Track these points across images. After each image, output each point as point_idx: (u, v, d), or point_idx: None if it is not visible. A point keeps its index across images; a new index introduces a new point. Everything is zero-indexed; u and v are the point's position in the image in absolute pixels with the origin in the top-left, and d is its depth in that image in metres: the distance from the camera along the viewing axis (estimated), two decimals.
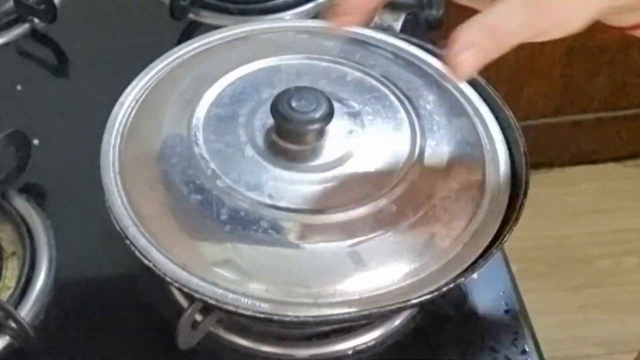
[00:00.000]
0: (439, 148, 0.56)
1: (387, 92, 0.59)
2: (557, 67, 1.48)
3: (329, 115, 0.54)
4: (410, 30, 0.67)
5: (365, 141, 0.56)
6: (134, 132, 0.58)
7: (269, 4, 0.80)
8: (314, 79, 0.58)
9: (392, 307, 0.50)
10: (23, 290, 0.58)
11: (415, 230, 0.52)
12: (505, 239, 0.52)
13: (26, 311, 0.58)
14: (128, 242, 0.52)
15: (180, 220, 0.52)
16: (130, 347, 0.58)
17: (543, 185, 1.59)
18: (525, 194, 0.54)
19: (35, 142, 0.68)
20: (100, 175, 0.55)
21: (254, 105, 0.57)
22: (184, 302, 0.58)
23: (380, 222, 0.52)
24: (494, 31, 0.46)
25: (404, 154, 0.55)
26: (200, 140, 0.55)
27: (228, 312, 0.50)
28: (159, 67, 0.62)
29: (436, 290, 0.50)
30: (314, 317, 0.49)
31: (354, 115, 0.57)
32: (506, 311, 0.59)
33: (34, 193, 0.65)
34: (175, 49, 0.63)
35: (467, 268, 0.51)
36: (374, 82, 0.59)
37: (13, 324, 0.56)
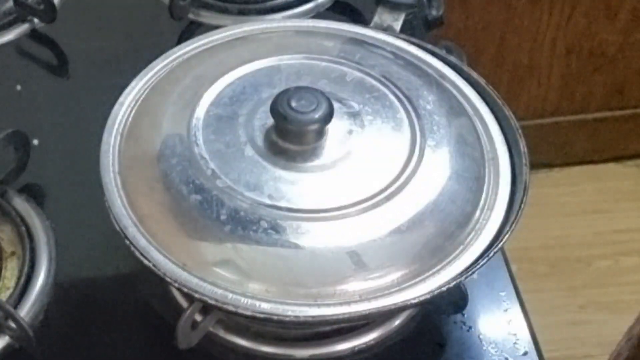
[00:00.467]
0: (439, 148, 0.56)
1: (387, 92, 0.59)
2: (556, 67, 1.48)
3: (328, 115, 0.54)
4: (410, 30, 0.67)
5: (365, 141, 0.56)
6: (134, 132, 0.58)
7: (269, 3, 0.80)
8: (314, 79, 0.58)
9: (392, 307, 0.50)
10: (23, 291, 0.58)
11: (415, 231, 0.52)
12: (505, 239, 0.52)
13: (26, 311, 0.57)
14: (128, 242, 0.52)
15: (180, 220, 0.52)
16: (130, 347, 0.58)
17: (543, 186, 1.59)
18: (525, 194, 0.54)
19: (35, 142, 0.68)
20: (100, 175, 0.55)
21: (254, 105, 0.57)
22: (183, 303, 0.58)
23: (379, 222, 0.52)
24: None
25: (404, 154, 0.55)
26: (200, 140, 0.55)
27: (228, 312, 0.50)
28: (159, 67, 0.62)
29: (435, 290, 0.50)
30: (313, 317, 0.49)
31: (354, 115, 0.57)
32: (506, 311, 0.59)
33: (33, 193, 0.65)
34: (175, 49, 0.63)
35: (467, 268, 0.51)
36: (374, 82, 0.59)
37: (13, 324, 0.56)
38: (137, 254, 0.51)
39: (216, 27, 0.66)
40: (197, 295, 0.50)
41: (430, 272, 0.51)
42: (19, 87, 0.75)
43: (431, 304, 0.56)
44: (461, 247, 0.52)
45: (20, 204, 0.64)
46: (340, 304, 0.49)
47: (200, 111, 0.57)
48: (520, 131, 0.58)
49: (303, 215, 0.52)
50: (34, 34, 0.80)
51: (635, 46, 1.47)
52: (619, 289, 1.48)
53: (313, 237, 0.51)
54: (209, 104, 0.57)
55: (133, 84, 0.60)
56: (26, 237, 0.61)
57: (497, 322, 0.59)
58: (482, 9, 1.32)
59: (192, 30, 0.80)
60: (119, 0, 0.84)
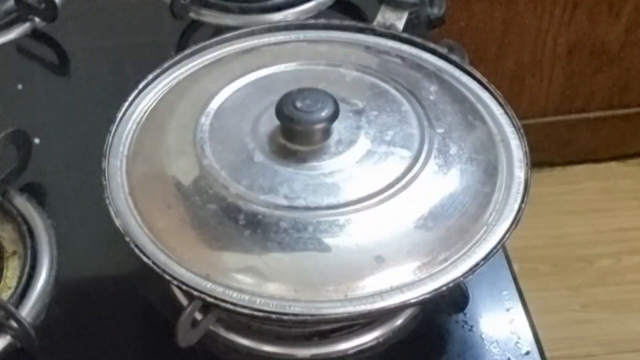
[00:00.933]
0: (448, 135, 0.56)
1: (388, 87, 0.59)
2: (558, 66, 1.48)
3: (334, 113, 0.54)
4: (412, 29, 0.67)
5: (374, 135, 0.56)
6: (140, 150, 0.58)
7: (270, 2, 0.80)
8: (313, 82, 0.58)
9: (392, 307, 0.50)
10: (24, 290, 0.58)
11: (436, 218, 0.52)
12: (506, 238, 0.52)
13: (27, 311, 0.57)
14: (128, 239, 0.52)
15: (198, 231, 0.53)
16: (131, 346, 0.58)
17: (544, 184, 1.59)
18: (526, 193, 0.54)
19: (36, 141, 0.68)
20: (100, 176, 0.55)
21: (257, 113, 0.57)
22: (184, 301, 0.58)
23: (393, 216, 0.52)
24: None
25: (414, 143, 0.56)
26: (208, 152, 0.55)
27: (227, 310, 0.50)
28: (158, 87, 0.62)
29: (435, 290, 0.50)
30: (312, 315, 0.49)
31: (359, 112, 0.57)
32: (508, 310, 0.59)
33: (35, 192, 0.65)
34: (171, 71, 0.63)
35: (467, 268, 0.51)
36: (374, 80, 0.59)
37: (14, 324, 0.56)
38: (137, 251, 0.51)
39: (217, 26, 0.66)
40: (196, 293, 0.50)
41: (432, 272, 0.51)
42: (20, 86, 0.75)
43: (432, 303, 0.56)
44: (485, 229, 0.53)
45: (22, 203, 0.64)
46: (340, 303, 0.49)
47: (204, 124, 0.57)
48: (521, 130, 0.58)
49: (321, 213, 0.52)
50: (35, 33, 0.80)
51: (637, 44, 1.46)
52: (621, 288, 1.48)
53: (335, 233, 0.51)
54: (212, 117, 0.58)
55: (137, 100, 0.61)
56: (27, 237, 0.61)
57: (499, 322, 0.59)
58: (483, 8, 1.32)
59: (193, 29, 0.80)
60: (120, 0, 0.84)
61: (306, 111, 0.53)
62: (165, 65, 0.63)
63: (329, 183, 0.54)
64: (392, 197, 0.53)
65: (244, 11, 0.80)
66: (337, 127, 0.55)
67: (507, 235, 0.52)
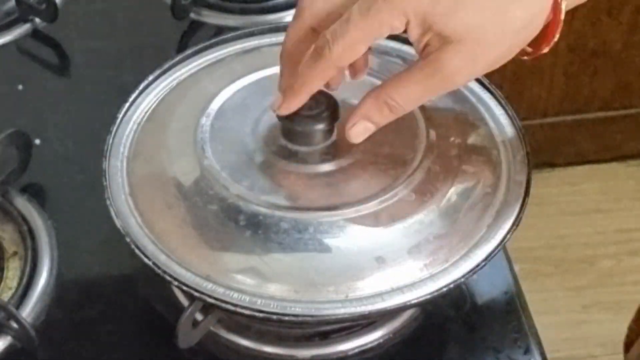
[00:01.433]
0: (449, 135, 0.56)
1: None
2: (559, 67, 1.48)
3: (335, 113, 0.54)
4: None
5: (375, 134, 0.56)
6: (141, 151, 0.58)
7: (270, 3, 0.80)
8: None
9: (392, 308, 0.50)
10: (25, 291, 0.58)
11: (440, 218, 0.52)
12: (507, 239, 0.52)
13: (28, 311, 0.57)
14: (128, 239, 0.52)
15: (199, 231, 0.52)
16: (131, 347, 0.58)
17: (545, 185, 1.59)
18: (527, 194, 0.54)
19: (37, 141, 0.68)
20: (100, 176, 0.55)
21: (258, 114, 0.57)
22: (184, 302, 0.58)
23: (393, 217, 0.52)
24: (390, 103, 0.50)
25: (415, 142, 0.56)
26: (209, 152, 0.55)
27: (227, 310, 0.50)
28: (158, 88, 0.62)
29: (436, 291, 0.50)
30: (312, 316, 0.49)
31: None
32: (509, 311, 0.59)
33: (35, 193, 0.65)
34: (171, 71, 0.63)
35: (468, 269, 0.51)
36: (374, 80, 0.59)
37: (15, 325, 0.56)
38: (137, 252, 0.51)
39: (218, 27, 0.66)
40: (197, 294, 0.50)
41: (433, 272, 0.51)
42: (20, 87, 0.75)
43: (433, 304, 0.55)
44: (485, 229, 0.53)
45: (22, 203, 0.64)
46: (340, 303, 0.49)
47: (205, 125, 0.57)
48: (522, 131, 0.58)
49: (323, 213, 0.52)
50: (35, 34, 0.80)
51: (638, 45, 1.46)
52: (622, 289, 1.48)
53: (336, 234, 0.51)
54: (212, 118, 0.58)
55: (138, 101, 0.61)
56: (28, 237, 0.61)
57: (500, 322, 0.59)
58: None
59: (194, 29, 0.79)
60: (121, 0, 0.84)
61: (306, 112, 0.53)
62: (166, 65, 0.63)
63: (330, 184, 0.54)
64: (392, 198, 0.53)
65: (244, 12, 0.80)
66: (338, 127, 0.55)
67: (508, 236, 0.52)
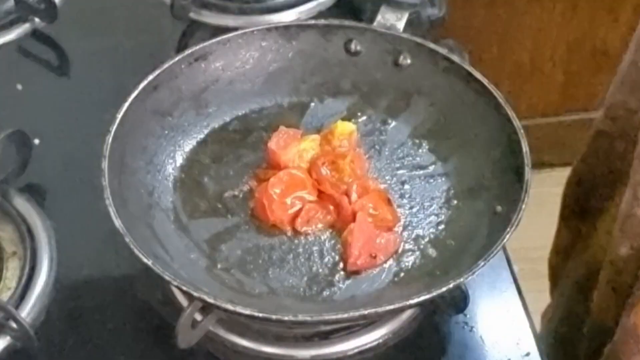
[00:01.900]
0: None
1: None
2: (558, 67, 1.48)
3: None
4: (412, 29, 0.67)
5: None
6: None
7: (270, 3, 0.80)
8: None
9: (392, 308, 0.49)
10: (24, 291, 0.58)
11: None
12: (505, 239, 0.52)
13: (27, 312, 0.57)
14: (128, 239, 0.52)
15: None
16: (130, 347, 0.58)
17: (544, 185, 1.58)
18: (526, 194, 0.54)
19: (36, 141, 0.68)
20: (100, 176, 0.55)
21: None
22: (184, 302, 0.58)
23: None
24: None
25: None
26: None
27: (226, 311, 0.50)
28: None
29: (435, 291, 0.50)
30: (311, 316, 0.49)
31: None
32: (508, 311, 0.59)
33: (34, 193, 0.65)
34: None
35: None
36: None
37: (14, 325, 0.56)
38: (136, 252, 0.51)
39: (217, 27, 0.66)
40: (196, 294, 0.50)
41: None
42: (20, 87, 0.75)
43: (433, 304, 0.55)
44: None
45: (22, 203, 0.63)
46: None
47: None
48: (522, 130, 0.58)
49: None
50: (35, 34, 0.79)
51: None
52: None
53: None
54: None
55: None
56: (27, 237, 0.61)
57: (499, 323, 0.59)
58: (484, 8, 1.32)
59: (193, 29, 0.79)
60: (120, 0, 0.84)
61: None
62: (166, 65, 0.63)
63: None
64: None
65: (244, 12, 0.79)
66: None
67: (508, 236, 0.52)
